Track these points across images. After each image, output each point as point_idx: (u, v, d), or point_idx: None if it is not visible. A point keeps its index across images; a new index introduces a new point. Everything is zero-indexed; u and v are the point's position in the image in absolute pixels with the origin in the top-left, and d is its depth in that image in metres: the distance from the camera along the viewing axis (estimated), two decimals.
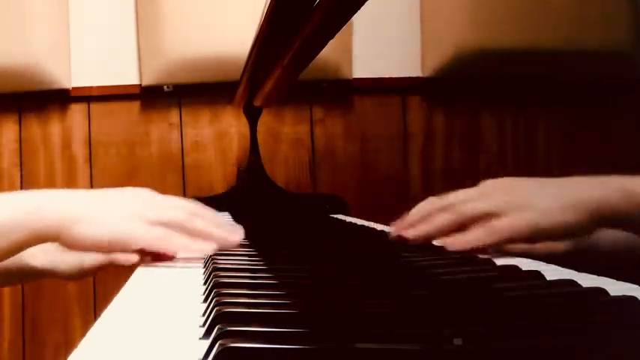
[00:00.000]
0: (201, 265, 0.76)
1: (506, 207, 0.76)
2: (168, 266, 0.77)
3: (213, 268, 0.67)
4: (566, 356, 0.37)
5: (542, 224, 0.75)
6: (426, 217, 0.81)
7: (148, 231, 0.76)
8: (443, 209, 0.80)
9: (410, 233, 0.82)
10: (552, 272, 0.64)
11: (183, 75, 1.91)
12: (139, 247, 0.77)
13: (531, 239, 0.76)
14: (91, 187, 1.91)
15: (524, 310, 0.48)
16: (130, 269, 0.76)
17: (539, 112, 1.98)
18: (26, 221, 0.75)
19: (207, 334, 0.43)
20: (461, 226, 0.78)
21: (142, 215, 0.77)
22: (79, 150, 1.93)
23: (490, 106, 1.99)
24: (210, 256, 0.77)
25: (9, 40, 1.81)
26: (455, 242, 0.77)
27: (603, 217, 0.74)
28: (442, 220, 0.80)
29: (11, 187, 1.89)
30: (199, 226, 0.78)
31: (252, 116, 1.70)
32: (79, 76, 1.92)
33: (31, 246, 0.77)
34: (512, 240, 0.76)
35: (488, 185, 0.81)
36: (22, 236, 0.75)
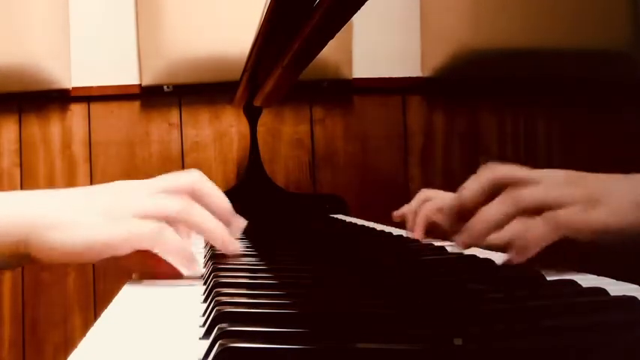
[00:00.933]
0: (201, 265, 0.76)
1: (572, 200, 0.65)
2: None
3: (213, 267, 0.67)
4: (566, 356, 0.37)
5: (616, 223, 0.64)
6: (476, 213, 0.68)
7: (131, 231, 0.64)
8: (496, 196, 0.67)
9: (465, 240, 0.68)
10: (552, 272, 0.64)
11: (183, 75, 1.91)
12: (123, 253, 0.64)
13: (597, 239, 0.65)
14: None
15: (524, 310, 0.47)
16: (128, 268, 0.72)
17: (539, 112, 1.98)
18: None
19: (207, 334, 0.43)
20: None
21: (124, 212, 0.65)
22: (79, 150, 1.93)
23: (490, 106, 1.99)
24: (210, 255, 0.77)
25: (9, 40, 1.81)
26: (519, 254, 0.64)
27: None
28: (498, 216, 0.66)
29: (11, 187, 1.89)
30: (197, 220, 0.68)
31: (252, 116, 1.70)
32: (79, 76, 1.92)
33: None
34: (577, 237, 0.64)
35: (550, 175, 0.69)
36: None
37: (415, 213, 1.04)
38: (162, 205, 0.66)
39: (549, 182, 0.67)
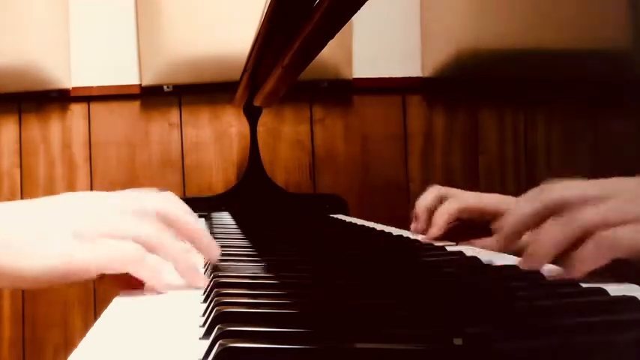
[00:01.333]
0: (202, 264, 0.76)
1: (627, 216, 0.59)
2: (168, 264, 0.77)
3: (213, 267, 0.67)
4: (567, 356, 0.37)
5: None
6: (532, 229, 0.64)
7: (98, 253, 0.56)
8: (552, 218, 0.62)
9: (529, 264, 0.62)
10: (552, 272, 0.64)
11: (183, 75, 1.91)
12: (90, 277, 0.57)
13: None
14: (91, 187, 1.91)
15: (524, 310, 0.47)
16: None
17: (539, 112, 1.98)
18: None
19: (207, 334, 0.43)
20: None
21: (92, 233, 0.57)
22: (79, 150, 1.93)
23: (490, 106, 1.99)
24: None
25: (9, 40, 1.82)
26: (575, 271, 0.59)
27: None
28: (558, 239, 0.61)
29: (11, 188, 1.89)
30: (166, 248, 0.60)
31: (252, 116, 1.70)
32: (79, 76, 1.92)
33: None
34: (630, 256, 0.59)
35: (604, 186, 0.63)
36: None
37: (430, 211, 0.95)
38: (133, 228, 0.59)
39: (611, 199, 0.61)
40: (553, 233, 0.62)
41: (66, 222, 0.57)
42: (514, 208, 0.66)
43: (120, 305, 0.57)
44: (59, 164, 1.92)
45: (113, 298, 0.59)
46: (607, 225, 0.59)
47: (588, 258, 0.59)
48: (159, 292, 0.60)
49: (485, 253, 0.78)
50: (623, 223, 0.59)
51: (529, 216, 0.64)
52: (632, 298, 0.48)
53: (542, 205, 0.64)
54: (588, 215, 0.60)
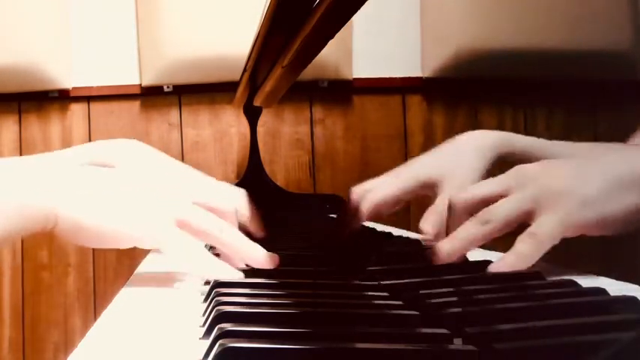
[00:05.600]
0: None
1: (546, 199, 0.61)
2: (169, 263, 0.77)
3: None
4: (566, 356, 0.37)
5: (603, 215, 0.60)
6: (453, 228, 0.66)
7: (166, 233, 0.63)
8: (468, 213, 0.65)
9: (435, 258, 0.65)
10: (552, 272, 0.64)
11: (183, 75, 1.91)
12: (149, 248, 0.66)
13: (587, 233, 0.61)
14: None
15: (524, 310, 0.48)
16: (129, 268, 0.72)
17: (539, 112, 1.98)
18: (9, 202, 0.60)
19: (207, 334, 0.43)
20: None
21: (164, 210, 0.64)
22: None
23: (490, 106, 1.99)
24: None
25: (9, 40, 1.82)
26: (501, 268, 0.61)
27: None
28: (470, 233, 0.64)
29: None
30: (228, 242, 0.67)
31: (252, 116, 1.70)
32: (79, 76, 1.92)
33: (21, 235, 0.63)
34: (565, 240, 0.61)
35: (516, 173, 0.65)
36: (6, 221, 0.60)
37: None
38: (206, 225, 0.66)
39: (519, 189, 0.63)
40: (465, 232, 0.64)
41: (149, 198, 0.64)
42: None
43: (120, 305, 0.57)
44: None
45: (113, 297, 0.59)
46: (522, 215, 0.61)
47: (513, 257, 0.61)
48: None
49: (485, 253, 0.78)
50: (531, 213, 0.61)
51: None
52: (632, 298, 0.48)
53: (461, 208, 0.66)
54: (496, 212, 0.63)
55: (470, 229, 0.64)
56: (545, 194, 0.61)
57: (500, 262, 0.62)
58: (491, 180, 0.68)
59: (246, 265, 0.68)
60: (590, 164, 0.64)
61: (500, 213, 0.63)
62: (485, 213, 0.64)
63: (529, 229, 0.61)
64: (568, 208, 0.60)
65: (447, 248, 0.65)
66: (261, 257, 0.67)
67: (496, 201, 0.64)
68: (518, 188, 0.63)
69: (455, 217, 0.67)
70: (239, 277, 0.63)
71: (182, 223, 0.65)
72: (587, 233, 0.62)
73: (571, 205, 0.60)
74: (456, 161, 0.87)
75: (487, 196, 0.65)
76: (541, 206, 0.61)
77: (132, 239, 0.64)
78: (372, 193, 0.89)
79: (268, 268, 0.67)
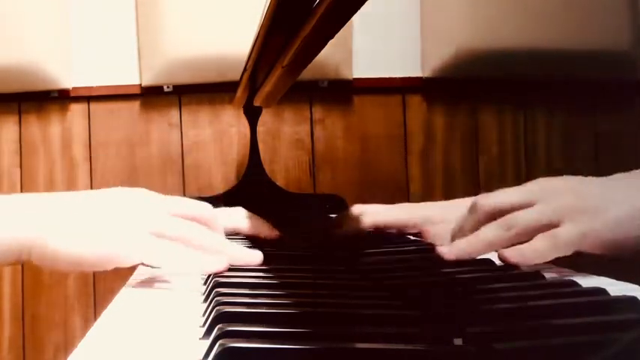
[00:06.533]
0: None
1: (570, 213, 0.63)
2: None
3: None
4: (566, 356, 0.37)
5: (621, 237, 0.61)
6: (471, 229, 0.68)
7: (144, 245, 0.64)
8: (491, 218, 0.67)
9: (451, 254, 0.67)
10: (552, 272, 0.64)
11: (183, 75, 1.91)
12: (131, 264, 0.65)
13: (602, 253, 0.63)
14: (91, 187, 1.91)
15: (524, 310, 0.48)
16: (129, 269, 0.72)
17: (539, 112, 1.98)
18: None
19: (207, 334, 0.43)
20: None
21: (138, 225, 0.65)
22: (79, 150, 1.93)
23: (490, 106, 1.99)
24: None
25: (9, 40, 1.81)
26: (513, 256, 0.63)
27: None
28: (491, 236, 0.65)
29: (11, 188, 1.89)
30: (208, 243, 0.67)
31: (252, 116, 1.70)
32: (79, 76, 1.92)
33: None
34: (578, 253, 0.63)
35: (543, 186, 0.67)
36: None
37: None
38: (180, 230, 0.67)
39: (543, 201, 0.65)
40: (485, 233, 0.66)
41: (120, 215, 0.65)
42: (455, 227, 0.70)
43: (120, 305, 0.57)
44: (59, 164, 1.92)
45: (113, 297, 0.59)
46: (542, 225, 0.63)
47: (529, 251, 0.63)
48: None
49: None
50: (558, 221, 0.62)
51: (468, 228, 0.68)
52: (632, 298, 0.48)
53: (482, 216, 0.67)
54: (520, 219, 0.64)
55: (492, 232, 0.65)
56: (570, 208, 0.63)
57: (514, 251, 0.63)
58: (516, 188, 0.69)
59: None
60: (617, 186, 0.65)
61: (524, 221, 0.64)
62: (508, 219, 0.65)
63: (551, 231, 0.63)
64: (592, 224, 0.62)
65: (463, 245, 0.66)
66: (246, 256, 0.68)
67: (518, 209, 0.65)
68: (542, 200, 0.65)
69: (476, 218, 0.68)
70: (224, 266, 0.64)
71: (158, 235, 0.65)
72: (603, 252, 0.63)
73: (596, 221, 0.62)
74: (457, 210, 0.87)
75: (512, 204, 0.66)
76: (564, 220, 0.63)
77: (112, 260, 0.63)
78: (377, 212, 0.92)
79: (255, 265, 0.68)
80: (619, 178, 0.66)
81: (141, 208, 0.67)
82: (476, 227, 0.67)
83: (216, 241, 0.68)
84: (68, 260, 0.62)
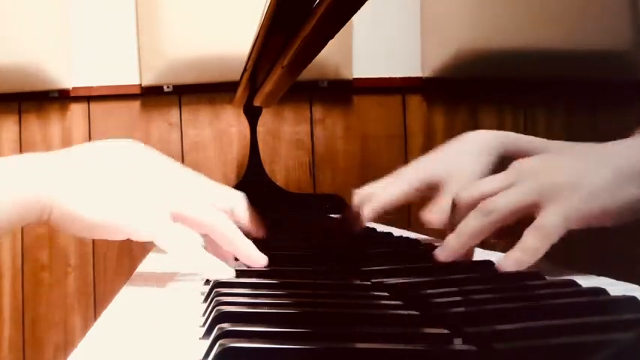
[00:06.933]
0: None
1: (551, 193, 0.61)
2: (169, 263, 0.77)
3: None
4: (566, 356, 0.37)
5: (605, 207, 0.60)
6: (453, 223, 0.67)
7: (158, 225, 0.64)
8: (470, 208, 0.65)
9: (443, 255, 0.66)
10: (552, 272, 0.64)
11: (183, 75, 1.91)
12: (141, 240, 0.65)
13: (589, 226, 0.62)
14: None
15: (524, 310, 0.48)
16: (129, 268, 0.72)
17: (539, 112, 1.98)
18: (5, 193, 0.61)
19: (207, 334, 0.43)
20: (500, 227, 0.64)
21: (162, 207, 0.65)
22: None
23: (490, 106, 1.99)
24: None
25: (9, 40, 1.81)
26: (509, 265, 0.62)
27: None
28: (473, 225, 0.64)
29: None
30: (227, 234, 0.68)
31: (252, 116, 1.70)
32: (79, 76, 1.92)
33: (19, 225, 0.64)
34: (569, 233, 0.62)
35: (518, 168, 0.66)
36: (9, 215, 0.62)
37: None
38: (200, 214, 0.67)
39: (520, 182, 0.64)
40: (467, 225, 0.64)
41: (147, 191, 0.65)
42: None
43: (120, 305, 0.57)
44: None
45: (113, 297, 0.59)
46: (524, 208, 0.62)
47: (520, 253, 0.61)
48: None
49: (485, 253, 0.78)
50: (534, 206, 0.61)
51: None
52: (632, 298, 0.48)
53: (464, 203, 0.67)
54: (498, 203, 0.63)
55: (473, 222, 0.64)
56: (547, 187, 0.62)
57: (507, 260, 0.62)
58: (494, 176, 0.68)
59: (243, 264, 0.68)
60: (592, 157, 0.65)
61: (501, 202, 0.63)
62: (486, 204, 0.64)
63: (534, 223, 0.61)
64: (572, 201, 0.61)
65: (453, 243, 0.66)
66: (253, 255, 0.68)
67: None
68: (519, 181, 0.64)
69: (459, 213, 0.67)
70: (231, 275, 0.63)
71: (177, 216, 0.66)
72: (591, 225, 0.62)
73: (574, 197, 0.61)
74: (459, 162, 0.87)
75: (491, 192, 0.65)
76: (544, 199, 0.62)
77: (125, 231, 0.64)
78: (375, 197, 0.90)
79: (257, 267, 0.68)
80: (591, 146, 0.67)
81: (163, 186, 0.67)
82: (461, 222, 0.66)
83: (230, 232, 0.68)
84: (84, 225, 0.63)
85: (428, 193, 0.88)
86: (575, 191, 0.61)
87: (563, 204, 0.61)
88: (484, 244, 0.71)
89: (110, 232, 0.64)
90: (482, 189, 0.66)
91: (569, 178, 0.62)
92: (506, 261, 0.62)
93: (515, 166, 0.67)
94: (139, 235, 0.64)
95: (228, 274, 0.63)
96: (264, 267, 0.68)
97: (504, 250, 0.67)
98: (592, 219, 0.61)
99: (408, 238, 0.98)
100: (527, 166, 0.66)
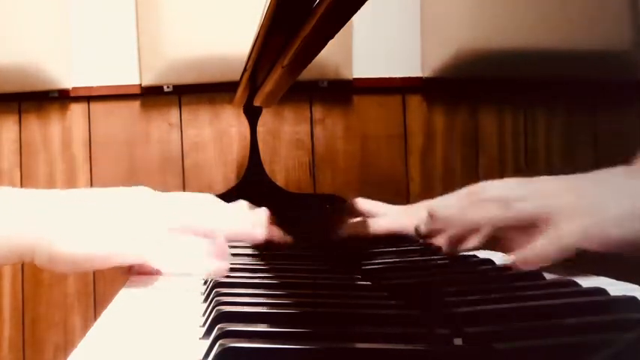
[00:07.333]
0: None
1: (564, 212, 0.63)
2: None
3: None
4: (566, 356, 0.37)
5: (625, 232, 0.61)
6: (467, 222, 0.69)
7: (144, 246, 0.67)
8: (491, 206, 0.67)
9: (463, 247, 0.69)
10: (552, 272, 0.64)
11: (183, 75, 1.90)
12: (128, 263, 0.68)
13: (600, 251, 0.63)
14: (91, 187, 1.91)
15: (524, 310, 0.48)
16: (129, 269, 0.72)
17: (539, 112, 1.98)
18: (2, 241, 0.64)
19: (207, 334, 0.43)
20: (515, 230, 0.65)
21: (141, 228, 0.68)
22: (79, 150, 1.93)
23: (490, 106, 1.99)
24: None
25: (9, 40, 1.81)
26: (523, 262, 0.63)
27: None
28: (491, 222, 0.66)
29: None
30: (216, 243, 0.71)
31: (252, 116, 1.70)
32: (79, 76, 1.92)
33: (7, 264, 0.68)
34: (581, 253, 0.63)
35: (539, 185, 0.67)
36: None
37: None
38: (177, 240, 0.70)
39: (537, 196, 0.65)
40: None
41: (125, 221, 0.67)
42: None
43: (120, 305, 0.57)
44: (59, 164, 1.92)
45: (113, 297, 0.59)
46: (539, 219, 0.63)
47: (533, 253, 0.62)
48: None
49: (484, 252, 0.78)
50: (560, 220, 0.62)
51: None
52: (632, 298, 0.48)
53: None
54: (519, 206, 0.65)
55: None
56: (564, 207, 0.63)
57: (522, 257, 0.63)
58: (509, 185, 0.69)
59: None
60: (614, 182, 0.66)
61: (525, 211, 0.65)
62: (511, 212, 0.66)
63: (553, 232, 0.62)
64: (593, 222, 0.62)
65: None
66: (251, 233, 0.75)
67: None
68: (535, 198, 0.65)
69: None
70: (223, 269, 0.66)
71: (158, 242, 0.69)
72: (606, 250, 0.62)
73: (596, 219, 0.62)
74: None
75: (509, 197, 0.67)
76: (559, 218, 0.63)
77: (111, 258, 0.66)
78: (385, 219, 0.96)
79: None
80: (614, 173, 0.67)
81: (143, 214, 0.69)
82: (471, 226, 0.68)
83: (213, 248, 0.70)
84: (68, 261, 0.64)
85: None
86: (597, 214, 0.62)
87: (584, 223, 0.62)
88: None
89: (98, 262, 0.66)
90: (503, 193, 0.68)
91: (591, 200, 0.63)
92: (515, 258, 0.63)
93: (532, 181, 0.68)
94: (127, 259, 0.67)
95: (222, 270, 0.66)
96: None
97: (504, 250, 0.67)
98: (610, 244, 0.62)
99: (408, 237, 0.98)
100: (548, 186, 0.67)
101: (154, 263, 0.67)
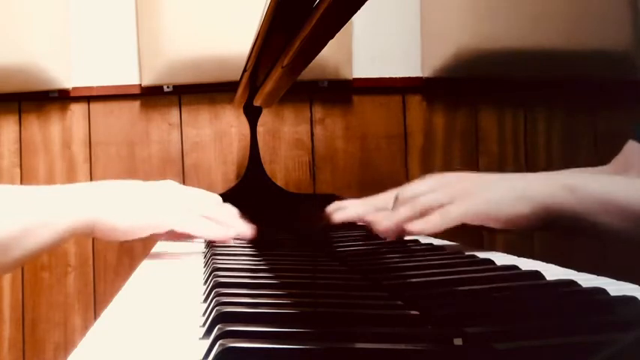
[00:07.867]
0: (202, 264, 0.76)
1: (459, 196, 0.81)
2: (169, 264, 0.77)
3: (213, 267, 0.67)
4: (567, 356, 0.37)
5: (494, 212, 0.79)
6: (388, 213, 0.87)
7: (177, 216, 0.87)
8: (401, 203, 0.85)
9: (380, 230, 0.87)
10: (552, 272, 0.64)
11: (183, 75, 1.91)
12: (167, 230, 0.87)
13: (481, 225, 0.80)
14: None
15: (524, 310, 0.48)
16: (129, 268, 0.74)
17: (539, 112, 1.98)
18: (64, 218, 0.82)
19: (207, 334, 0.43)
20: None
21: (175, 206, 0.89)
22: (79, 150, 1.93)
23: (490, 105, 1.99)
24: (211, 255, 0.77)
25: (9, 40, 1.82)
26: (413, 228, 0.82)
27: (550, 214, 0.76)
28: (400, 214, 0.84)
29: None
30: (223, 218, 0.91)
31: (252, 116, 1.70)
32: (79, 76, 1.92)
33: (67, 241, 0.84)
34: (462, 224, 0.80)
35: (438, 179, 0.85)
36: (61, 231, 0.82)
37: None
38: (202, 205, 0.92)
39: (437, 187, 0.83)
40: (399, 212, 0.84)
41: (160, 197, 0.90)
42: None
43: (120, 305, 0.57)
44: (59, 164, 1.92)
45: (113, 297, 0.59)
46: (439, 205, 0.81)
47: (424, 221, 0.81)
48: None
49: (484, 252, 0.79)
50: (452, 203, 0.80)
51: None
52: (632, 298, 0.48)
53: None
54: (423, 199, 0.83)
55: (405, 210, 0.84)
56: (459, 192, 0.81)
57: (414, 225, 0.81)
58: (424, 182, 0.87)
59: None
60: (496, 177, 0.83)
61: (426, 200, 0.83)
62: (416, 202, 0.83)
63: (444, 208, 0.80)
64: (474, 203, 0.80)
65: (390, 221, 0.85)
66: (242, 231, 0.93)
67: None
68: (440, 188, 0.83)
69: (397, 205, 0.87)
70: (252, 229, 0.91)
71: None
72: (482, 224, 0.80)
73: (475, 200, 0.80)
74: None
75: (422, 191, 0.85)
76: (454, 200, 0.81)
77: (152, 224, 0.86)
78: (345, 210, 1.12)
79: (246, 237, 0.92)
80: (497, 175, 0.84)
81: (171, 199, 0.90)
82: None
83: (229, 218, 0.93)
84: (122, 230, 0.84)
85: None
86: (477, 196, 0.80)
87: (467, 203, 0.80)
88: (484, 245, 0.71)
89: (139, 232, 0.85)
90: (416, 189, 0.86)
91: (475, 188, 0.81)
92: (411, 226, 0.82)
93: (441, 177, 0.86)
94: (161, 228, 0.87)
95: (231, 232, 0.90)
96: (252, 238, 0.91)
97: (504, 250, 0.72)
98: (483, 219, 0.79)
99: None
100: (449, 178, 0.86)
101: (184, 230, 0.87)
